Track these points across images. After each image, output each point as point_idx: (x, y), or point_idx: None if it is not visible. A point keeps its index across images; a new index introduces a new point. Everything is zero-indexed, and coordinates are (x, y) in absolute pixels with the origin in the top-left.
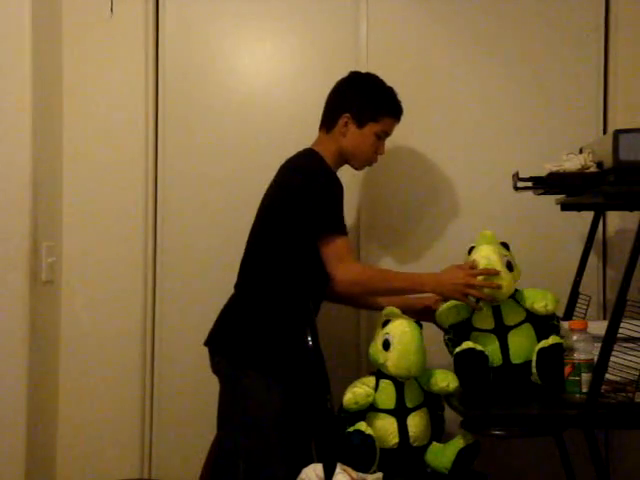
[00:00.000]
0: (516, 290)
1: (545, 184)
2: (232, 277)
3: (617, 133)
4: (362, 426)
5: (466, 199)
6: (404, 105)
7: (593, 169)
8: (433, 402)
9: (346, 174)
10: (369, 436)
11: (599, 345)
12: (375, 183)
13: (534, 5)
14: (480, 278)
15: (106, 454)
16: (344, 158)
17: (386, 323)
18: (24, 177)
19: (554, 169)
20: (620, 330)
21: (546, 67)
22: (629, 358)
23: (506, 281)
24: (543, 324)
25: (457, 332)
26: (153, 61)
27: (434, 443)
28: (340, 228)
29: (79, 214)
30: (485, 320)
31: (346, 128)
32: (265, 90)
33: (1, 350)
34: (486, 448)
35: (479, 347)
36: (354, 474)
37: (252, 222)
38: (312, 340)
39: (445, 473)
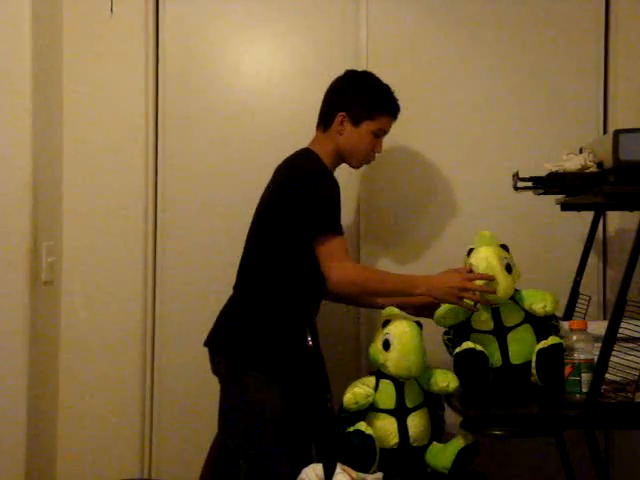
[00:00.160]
0: (515, 291)
1: (545, 184)
2: (232, 277)
3: (617, 133)
4: (362, 426)
5: (466, 199)
6: (404, 105)
7: (593, 169)
8: (433, 402)
9: (344, 173)
10: (369, 436)
11: (599, 345)
12: (374, 183)
13: (534, 5)
14: (477, 282)
15: (106, 454)
16: (341, 157)
17: (386, 323)
18: (24, 177)
19: (554, 169)
20: (620, 330)
21: (546, 67)
22: (629, 358)
23: (505, 283)
24: (542, 324)
25: (457, 333)
26: (153, 61)
27: (434, 443)
28: (335, 228)
29: (79, 214)
30: (484, 321)
31: (342, 127)
32: (265, 90)
33: (1, 350)
34: (486, 448)
35: (479, 347)
36: (354, 474)
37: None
38: (312, 340)
39: (445, 473)
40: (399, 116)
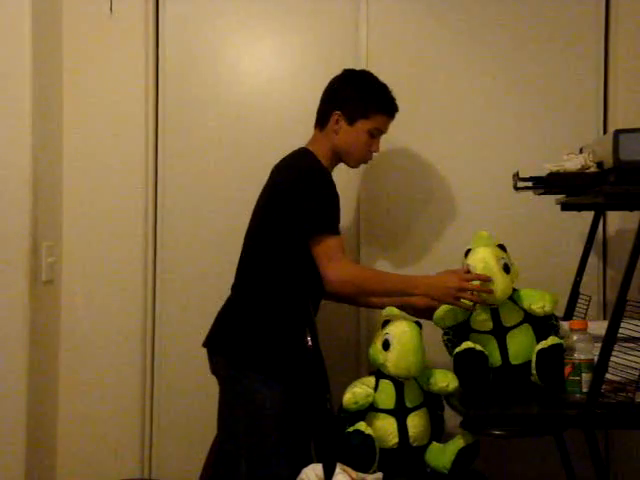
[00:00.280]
0: (514, 290)
1: (545, 184)
2: (233, 277)
3: (617, 133)
4: (362, 426)
5: (466, 199)
6: (403, 105)
7: (593, 169)
8: (433, 402)
9: (344, 174)
10: (369, 436)
11: (599, 345)
12: (374, 183)
13: (534, 5)
14: (475, 283)
15: (106, 454)
16: (338, 156)
17: (386, 323)
18: (24, 177)
19: (554, 169)
20: (620, 330)
21: (546, 67)
22: (629, 358)
23: (503, 284)
24: (542, 324)
25: (456, 333)
26: (153, 60)
27: (434, 443)
28: (331, 228)
29: (79, 214)
30: (484, 321)
31: (337, 125)
32: (265, 89)
33: (1, 350)
34: (486, 448)
35: (479, 347)
36: (354, 474)
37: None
38: (312, 340)
39: (445, 473)
40: (399, 116)
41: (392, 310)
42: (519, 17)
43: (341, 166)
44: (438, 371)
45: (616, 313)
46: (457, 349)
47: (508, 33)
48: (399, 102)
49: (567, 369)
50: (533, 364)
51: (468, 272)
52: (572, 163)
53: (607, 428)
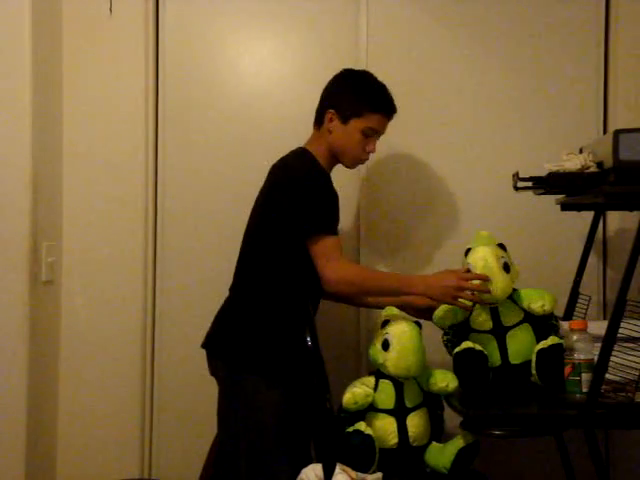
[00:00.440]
0: (514, 290)
1: (545, 184)
2: (232, 277)
3: (617, 133)
4: (361, 426)
5: (466, 199)
6: (403, 105)
7: (593, 169)
8: (433, 402)
9: (344, 178)
10: (368, 436)
11: (599, 345)
12: (374, 183)
13: (534, 5)
14: (474, 282)
15: (106, 454)
16: (335, 156)
17: (385, 323)
18: (24, 177)
19: (554, 169)
20: (620, 330)
21: (546, 67)
22: (629, 358)
23: (502, 283)
24: (542, 324)
25: (456, 333)
26: (153, 61)
27: (434, 443)
28: (328, 227)
29: (79, 214)
30: (483, 321)
31: (332, 124)
32: (265, 90)
33: (1, 350)
34: (486, 448)
35: (478, 347)
36: (353, 474)
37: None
38: (311, 340)
39: (444, 473)
40: (398, 116)
41: (392, 310)
42: (519, 17)
43: (342, 170)
44: (438, 371)
45: (616, 313)
46: (457, 349)
47: (508, 33)
48: (398, 102)
49: (567, 369)
50: (533, 364)
51: (468, 272)
52: (572, 163)
53: (607, 428)
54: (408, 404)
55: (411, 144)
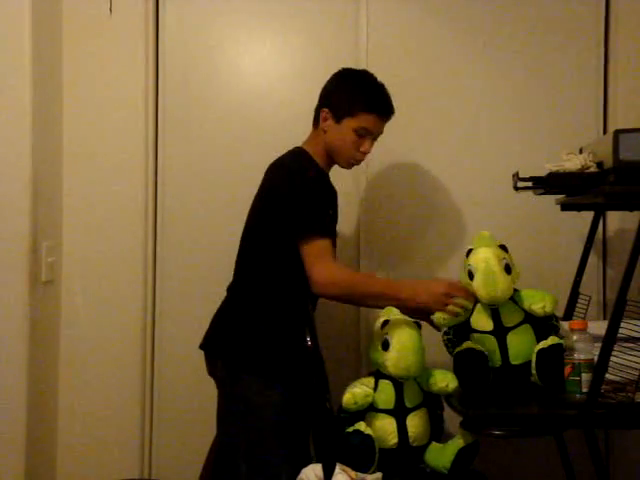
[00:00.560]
0: (515, 291)
1: (545, 184)
2: (232, 277)
3: (617, 133)
4: (361, 426)
5: (466, 199)
6: (402, 105)
7: (593, 169)
8: (432, 402)
9: (344, 181)
10: (368, 436)
11: (599, 345)
12: (373, 183)
13: (534, 6)
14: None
15: (106, 454)
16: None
17: (385, 323)
18: (24, 177)
19: (554, 169)
20: (620, 330)
21: (546, 67)
22: (629, 358)
23: (503, 284)
24: (542, 324)
25: (456, 333)
26: (153, 61)
27: (433, 443)
28: (321, 229)
29: (79, 214)
30: (484, 321)
31: (326, 123)
32: (265, 90)
33: (1, 350)
34: (486, 448)
35: (479, 347)
36: (353, 474)
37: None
38: (311, 340)
39: (444, 473)
40: (398, 116)
41: (391, 310)
42: (519, 17)
43: (342, 172)
44: (438, 371)
45: (616, 313)
46: (457, 349)
47: (508, 33)
48: (398, 102)
49: (567, 369)
50: (533, 364)
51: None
52: (572, 163)
53: (607, 428)
54: (408, 404)
55: (411, 144)
